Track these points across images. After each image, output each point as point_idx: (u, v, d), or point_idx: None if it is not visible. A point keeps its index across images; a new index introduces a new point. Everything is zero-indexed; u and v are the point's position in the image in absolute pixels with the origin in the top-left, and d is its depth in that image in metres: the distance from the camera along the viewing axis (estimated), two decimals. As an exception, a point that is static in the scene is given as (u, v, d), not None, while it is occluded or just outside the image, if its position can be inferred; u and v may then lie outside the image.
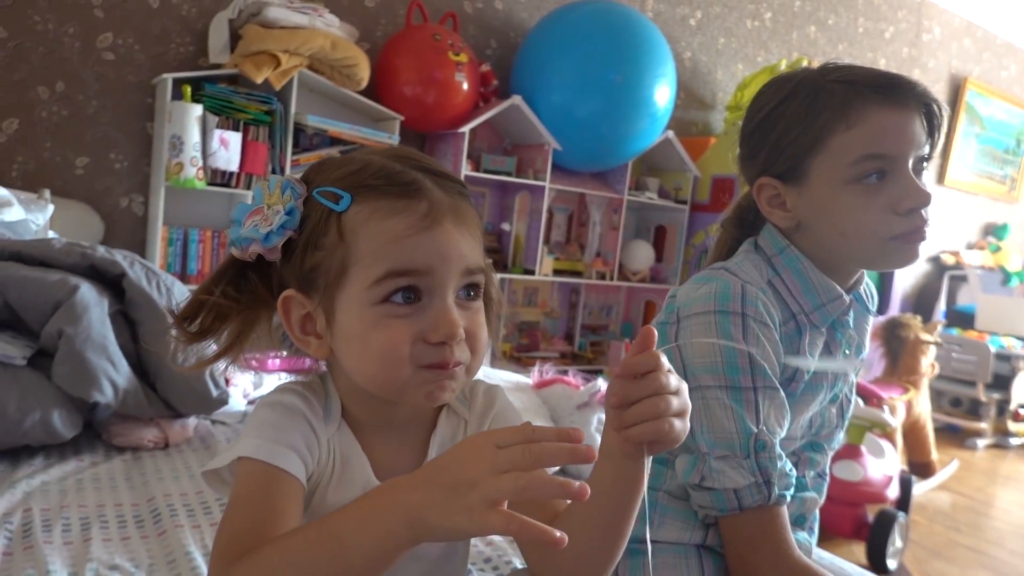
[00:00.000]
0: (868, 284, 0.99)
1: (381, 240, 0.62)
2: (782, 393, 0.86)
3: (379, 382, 0.65)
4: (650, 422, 0.56)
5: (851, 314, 0.94)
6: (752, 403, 0.84)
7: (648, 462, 0.59)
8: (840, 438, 1.00)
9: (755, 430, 0.83)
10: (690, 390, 0.86)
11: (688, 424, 0.58)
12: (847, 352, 0.95)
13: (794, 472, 0.86)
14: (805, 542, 0.95)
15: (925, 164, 0.87)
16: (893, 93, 0.83)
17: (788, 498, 0.85)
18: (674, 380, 0.58)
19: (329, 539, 0.53)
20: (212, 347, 0.70)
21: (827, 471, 1.01)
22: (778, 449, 0.85)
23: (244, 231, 0.65)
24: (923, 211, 0.84)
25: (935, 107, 0.85)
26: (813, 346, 0.91)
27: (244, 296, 0.68)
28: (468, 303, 0.67)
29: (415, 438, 0.73)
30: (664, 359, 0.57)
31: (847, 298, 0.91)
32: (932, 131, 0.86)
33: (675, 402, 0.57)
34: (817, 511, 0.99)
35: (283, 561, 0.54)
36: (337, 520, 0.54)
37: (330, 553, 0.53)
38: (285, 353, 0.75)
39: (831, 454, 1.00)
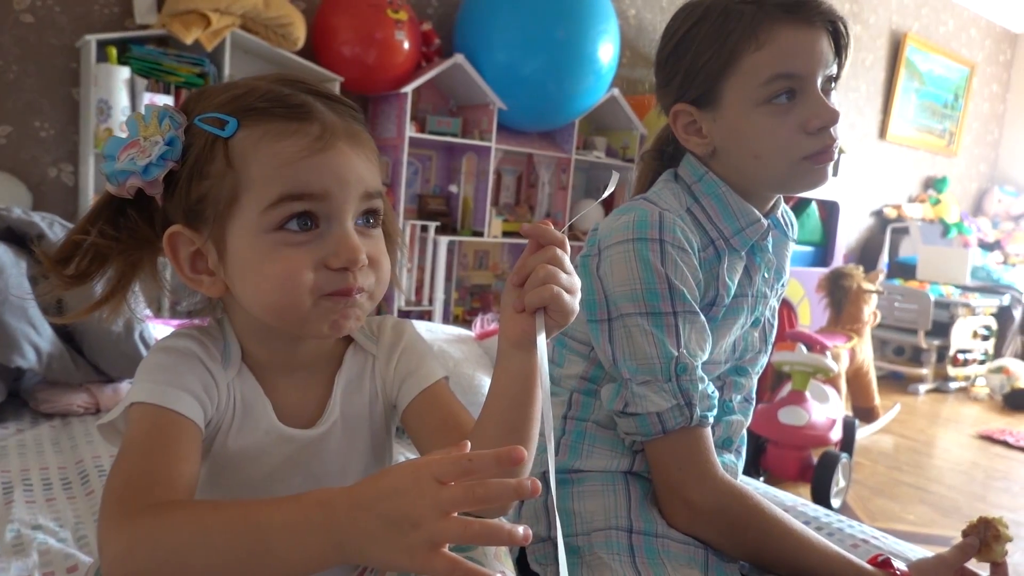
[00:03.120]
0: (786, 211, 1.00)
1: (273, 163, 0.60)
2: (702, 317, 0.87)
3: (279, 312, 0.63)
4: (542, 287, 0.59)
5: (770, 239, 0.95)
6: (672, 328, 0.85)
7: (543, 345, 0.59)
8: (763, 362, 1.01)
9: (676, 354, 0.84)
10: (612, 319, 0.87)
11: (577, 304, 0.61)
12: (766, 276, 0.96)
13: (716, 394, 0.88)
14: (732, 464, 0.97)
15: (833, 84, 0.88)
16: (800, 11, 0.84)
17: (711, 419, 0.86)
18: (568, 262, 0.61)
19: (253, 532, 0.50)
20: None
21: (753, 395, 1.02)
22: (699, 372, 0.85)
23: (120, 164, 0.62)
24: (832, 130, 0.85)
25: (841, 25, 0.86)
26: (732, 271, 0.92)
27: (124, 235, 0.65)
28: (368, 230, 0.65)
29: (320, 378, 0.72)
30: (565, 239, 0.61)
31: (765, 222, 0.92)
32: (839, 50, 0.87)
33: (564, 277, 0.60)
34: (744, 434, 1.01)
35: (195, 538, 0.51)
36: (265, 514, 0.50)
37: (249, 549, 0.50)
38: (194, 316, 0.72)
39: (756, 378, 1.01)
